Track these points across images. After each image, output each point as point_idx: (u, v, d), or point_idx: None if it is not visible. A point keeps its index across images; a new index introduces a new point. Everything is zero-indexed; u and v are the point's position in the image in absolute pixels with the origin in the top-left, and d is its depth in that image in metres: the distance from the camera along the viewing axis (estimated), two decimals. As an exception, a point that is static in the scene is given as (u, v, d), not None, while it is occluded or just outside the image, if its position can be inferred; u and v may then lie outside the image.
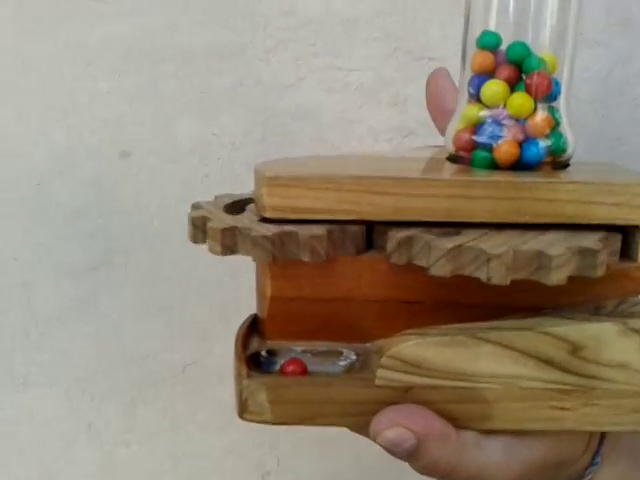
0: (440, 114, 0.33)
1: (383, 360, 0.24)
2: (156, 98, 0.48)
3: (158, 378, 0.53)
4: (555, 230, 0.24)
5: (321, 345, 0.27)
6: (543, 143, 0.27)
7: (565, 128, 0.27)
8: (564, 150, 0.27)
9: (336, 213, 0.25)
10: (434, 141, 0.49)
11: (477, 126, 0.28)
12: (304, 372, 0.26)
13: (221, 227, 0.25)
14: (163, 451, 0.54)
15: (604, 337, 0.24)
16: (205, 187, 0.49)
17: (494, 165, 0.27)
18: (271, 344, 0.27)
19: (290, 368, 0.26)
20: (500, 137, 0.27)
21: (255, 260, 0.25)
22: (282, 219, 0.25)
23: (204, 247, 0.26)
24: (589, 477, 0.28)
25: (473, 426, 0.25)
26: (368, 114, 0.47)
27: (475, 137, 0.28)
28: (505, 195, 0.25)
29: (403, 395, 0.24)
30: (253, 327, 0.29)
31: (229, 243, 0.25)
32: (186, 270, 0.51)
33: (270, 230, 0.24)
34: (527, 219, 0.25)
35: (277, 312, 0.27)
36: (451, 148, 0.29)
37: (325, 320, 0.27)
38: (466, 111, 0.28)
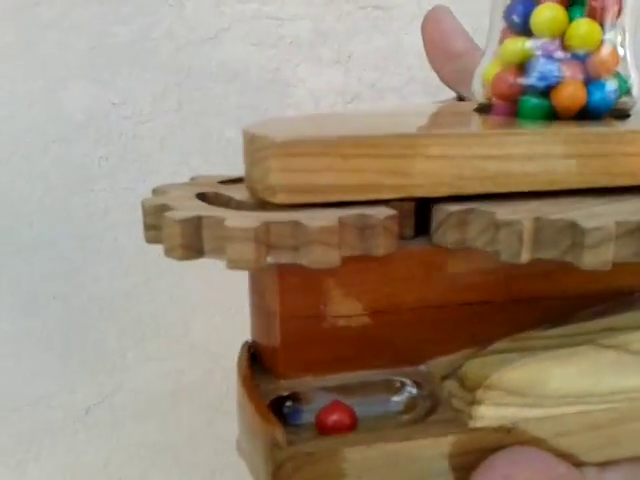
0: (447, 59, 0.26)
1: (481, 393, 0.17)
2: (31, 56, 0.37)
3: (54, 426, 0.41)
4: None
5: (357, 377, 0.19)
6: (611, 85, 0.21)
7: (631, 66, 0.21)
8: (630, 94, 0.21)
9: (377, 190, 0.17)
10: (382, 103, 0.42)
11: (524, 65, 0.21)
12: (354, 423, 0.18)
13: (181, 217, 0.16)
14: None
15: None
16: (104, 173, 0.39)
17: (551, 114, 0.21)
18: (289, 384, 0.19)
19: (333, 418, 0.17)
20: (558, 77, 0.20)
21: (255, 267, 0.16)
22: (297, 204, 0.17)
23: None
24: None
25: (591, 459, 0.18)
26: (306, 74, 0.39)
27: (524, 79, 0.21)
28: (595, 152, 0.18)
29: (506, 436, 0.17)
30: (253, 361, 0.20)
31: (194, 242, 0.16)
32: (81, 283, 0.40)
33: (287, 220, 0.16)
34: (620, 182, 0.19)
35: (293, 337, 0.18)
36: (483, 96, 0.22)
37: (359, 341, 0.19)
38: (508, 46, 0.21)
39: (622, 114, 0.22)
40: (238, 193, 0.19)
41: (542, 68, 0.20)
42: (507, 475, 0.16)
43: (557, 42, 0.21)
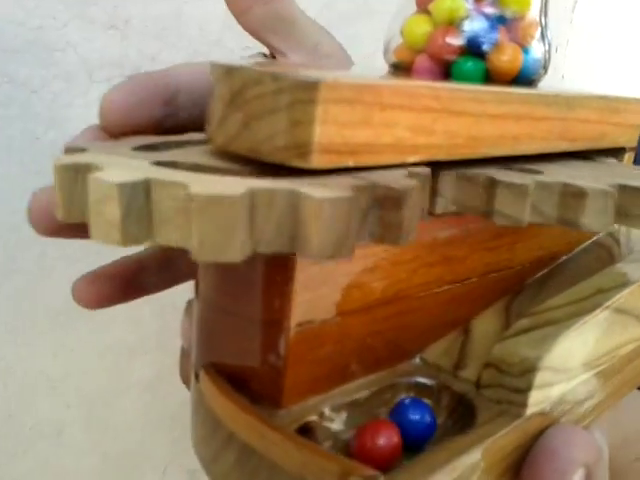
0: (253, 1, 0.22)
1: (534, 376, 0.14)
2: None
3: None
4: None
5: (362, 386, 0.15)
6: (538, 51, 0.20)
7: (547, 35, 0.22)
8: (546, 66, 0.22)
9: (404, 152, 0.13)
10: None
11: (457, 24, 0.19)
12: (401, 440, 0.14)
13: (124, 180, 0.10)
14: None
15: None
16: None
17: (486, 78, 0.19)
18: (292, 413, 0.14)
19: (381, 442, 0.13)
20: (496, 40, 0.19)
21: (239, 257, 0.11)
22: (327, 169, 0.12)
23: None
24: None
25: (589, 421, 0.18)
26: (76, 38, 0.31)
27: (461, 39, 0.19)
28: (559, 115, 0.18)
29: (545, 418, 0.15)
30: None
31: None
32: None
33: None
34: (574, 146, 0.19)
35: (303, 351, 0.14)
36: (395, 55, 0.20)
37: (361, 343, 0.15)
38: (441, 2, 0.19)
39: (531, 83, 0.22)
40: (186, 157, 0.13)
41: (483, 29, 0.19)
42: (572, 459, 0.15)
43: (493, 3, 0.20)
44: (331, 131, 0.12)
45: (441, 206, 0.14)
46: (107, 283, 0.19)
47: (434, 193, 0.14)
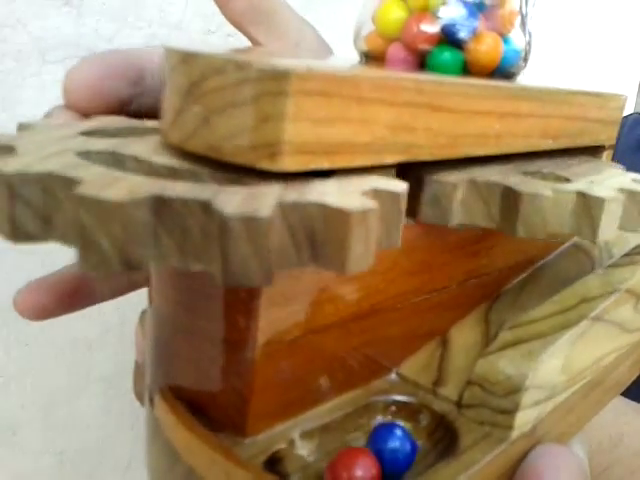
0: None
1: (521, 396, 0.14)
2: None
3: None
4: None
5: (333, 409, 0.14)
6: (519, 41, 0.19)
7: (528, 24, 0.20)
8: (527, 55, 0.21)
9: (381, 152, 0.12)
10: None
11: (433, 12, 0.18)
12: (380, 474, 0.12)
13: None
14: None
15: None
16: None
17: (464, 70, 0.18)
18: (257, 442, 0.12)
19: (358, 474, 0.12)
20: (473, 29, 0.18)
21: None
22: (301, 172, 0.11)
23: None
24: None
25: (569, 436, 0.17)
26: (27, 15, 0.29)
27: (438, 27, 0.18)
28: (542, 112, 0.17)
29: (530, 438, 0.14)
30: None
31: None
32: None
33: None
34: (551, 144, 0.18)
35: (271, 372, 0.12)
36: (367, 44, 0.19)
37: (331, 361, 0.14)
38: (418, -14, 0.18)
39: (510, 76, 0.21)
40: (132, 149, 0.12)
41: (462, 17, 0.18)
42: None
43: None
44: (303, 128, 0.11)
45: (428, 216, 0.13)
46: (48, 293, 0.18)
47: (418, 201, 0.13)
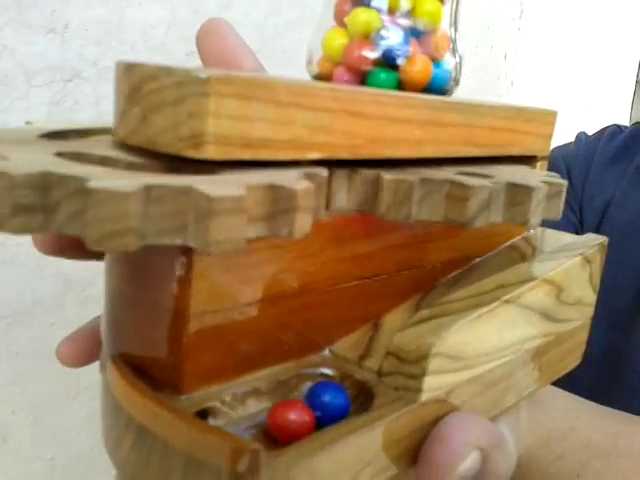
0: None
1: (428, 362, 0.15)
2: None
3: None
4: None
5: (264, 377, 0.16)
6: (449, 64, 0.21)
7: (456, 50, 0.23)
8: (457, 78, 0.23)
9: (302, 148, 0.14)
10: (107, 87, 0.36)
11: (372, 37, 0.20)
12: (313, 421, 0.15)
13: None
14: None
15: (573, 273, 0.21)
16: None
17: (399, 88, 0.21)
18: (192, 399, 0.14)
19: (292, 418, 0.14)
20: (408, 52, 0.20)
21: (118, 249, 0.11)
22: (226, 161, 0.13)
23: None
24: None
25: (492, 415, 0.19)
26: (13, 42, 0.31)
27: (375, 52, 0.20)
28: (465, 122, 0.19)
29: (443, 405, 0.16)
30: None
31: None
32: None
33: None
34: (475, 152, 0.20)
35: (203, 338, 0.14)
36: (317, 66, 0.21)
37: (265, 334, 0.16)
38: (357, 16, 0.20)
39: (442, 94, 0.23)
40: (92, 149, 0.14)
41: (397, 41, 0.20)
42: (464, 441, 0.16)
43: (406, 16, 0.21)
44: (225, 124, 0.13)
45: (336, 204, 0.15)
46: (87, 339, 0.20)
47: (330, 191, 0.15)
